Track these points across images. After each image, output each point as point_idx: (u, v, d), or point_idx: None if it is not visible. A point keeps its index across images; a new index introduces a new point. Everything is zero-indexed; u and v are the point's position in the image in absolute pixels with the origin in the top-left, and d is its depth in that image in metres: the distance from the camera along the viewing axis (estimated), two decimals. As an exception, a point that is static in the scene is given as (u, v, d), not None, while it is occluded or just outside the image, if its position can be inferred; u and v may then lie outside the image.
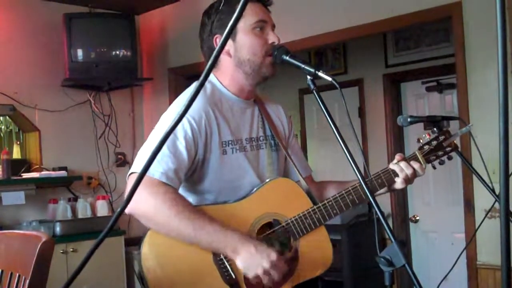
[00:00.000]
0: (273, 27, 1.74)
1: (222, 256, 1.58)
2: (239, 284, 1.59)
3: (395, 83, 4.84)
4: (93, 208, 4.27)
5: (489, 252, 3.02)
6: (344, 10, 3.63)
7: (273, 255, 1.53)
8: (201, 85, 0.75)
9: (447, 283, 2.42)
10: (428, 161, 1.78)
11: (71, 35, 4.21)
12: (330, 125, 1.43)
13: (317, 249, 1.70)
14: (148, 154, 1.51)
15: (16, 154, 4.33)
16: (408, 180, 1.73)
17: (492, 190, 2.09)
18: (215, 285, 1.57)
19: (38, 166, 4.27)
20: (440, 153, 1.77)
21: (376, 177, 1.72)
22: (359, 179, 1.35)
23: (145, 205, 1.52)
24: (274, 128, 1.84)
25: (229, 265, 1.58)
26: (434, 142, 1.77)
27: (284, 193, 1.70)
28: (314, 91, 1.48)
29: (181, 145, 1.59)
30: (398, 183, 1.72)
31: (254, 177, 1.73)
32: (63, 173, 4.22)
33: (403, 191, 4.80)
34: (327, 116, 1.44)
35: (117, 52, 4.37)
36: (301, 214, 1.66)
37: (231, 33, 0.72)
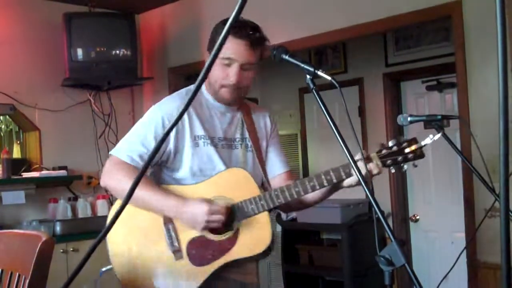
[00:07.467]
0: (244, 65, 1.87)
1: (169, 226, 1.87)
2: (182, 252, 1.87)
3: (395, 82, 4.84)
4: (93, 208, 4.27)
5: (489, 251, 3.02)
6: (344, 10, 3.63)
7: (204, 208, 1.77)
8: (197, 88, 0.76)
9: (447, 282, 2.42)
10: (384, 164, 1.77)
11: (71, 34, 4.21)
12: (330, 124, 1.43)
13: (255, 232, 1.85)
14: (129, 142, 1.94)
15: (16, 153, 4.33)
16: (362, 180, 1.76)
17: (492, 190, 2.10)
18: (162, 252, 1.87)
19: (38, 165, 4.27)
20: (400, 158, 1.75)
21: (325, 174, 1.81)
22: (358, 178, 1.36)
23: (111, 178, 1.90)
24: (253, 132, 2.04)
25: (175, 234, 1.87)
26: (395, 148, 1.75)
27: (236, 180, 1.89)
28: (313, 90, 1.49)
29: (150, 135, 1.91)
30: (349, 181, 1.78)
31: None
32: (63, 172, 4.22)
33: (403, 190, 4.80)
34: (327, 115, 1.44)
35: (117, 52, 4.37)
36: (246, 200, 1.84)
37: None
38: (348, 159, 1.41)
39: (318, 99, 1.47)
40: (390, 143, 1.77)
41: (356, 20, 3.55)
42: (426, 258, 4.69)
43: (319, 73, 1.50)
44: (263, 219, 1.84)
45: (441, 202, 4.64)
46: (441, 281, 2.29)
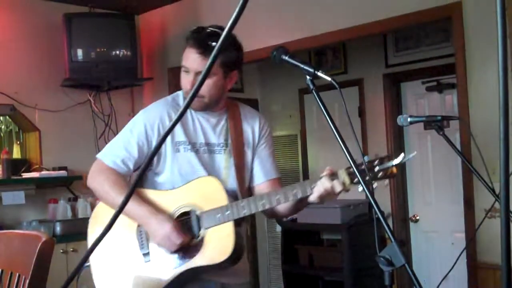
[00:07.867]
0: (199, 73, 1.87)
1: (142, 229, 1.94)
2: (150, 256, 1.93)
3: (395, 83, 4.84)
4: (93, 208, 4.25)
5: (489, 252, 3.02)
6: (344, 10, 3.63)
7: (167, 227, 1.84)
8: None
9: (447, 282, 2.42)
10: (352, 181, 1.72)
11: (71, 35, 4.21)
12: (330, 125, 1.43)
13: (219, 242, 1.87)
14: (115, 145, 1.99)
15: (16, 154, 4.33)
16: (323, 197, 1.75)
17: (492, 190, 2.10)
18: (133, 254, 1.95)
19: (38, 166, 4.27)
20: (368, 176, 1.69)
21: (291, 189, 1.80)
22: (359, 179, 1.36)
23: (94, 180, 2.03)
24: (237, 137, 2.02)
25: (146, 237, 1.94)
26: (366, 165, 1.69)
27: (207, 189, 1.91)
28: (313, 91, 1.49)
29: (133, 140, 1.96)
30: (312, 197, 1.77)
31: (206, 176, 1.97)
32: (63, 173, 4.22)
33: (403, 191, 4.80)
34: (326, 116, 1.44)
35: (117, 52, 4.37)
36: (214, 209, 1.86)
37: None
38: (348, 159, 1.42)
39: (318, 99, 1.47)
40: (365, 159, 1.71)
41: (356, 21, 3.55)
42: (426, 258, 4.69)
43: (319, 73, 1.50)
44: (228, 229, 1.84)
45: (441, 202, 4.64)
46: (441, 281, 2.29)
